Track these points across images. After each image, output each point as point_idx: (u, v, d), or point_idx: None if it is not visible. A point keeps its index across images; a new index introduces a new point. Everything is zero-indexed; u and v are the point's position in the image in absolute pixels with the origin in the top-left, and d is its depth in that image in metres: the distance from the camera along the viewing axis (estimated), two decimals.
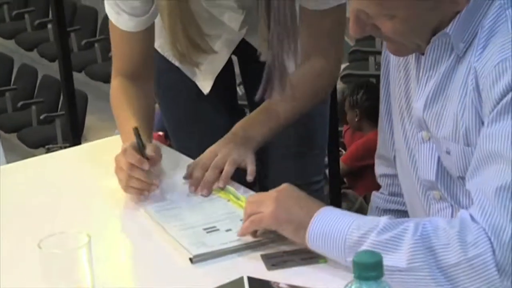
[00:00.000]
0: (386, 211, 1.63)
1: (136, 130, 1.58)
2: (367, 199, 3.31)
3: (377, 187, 1.70)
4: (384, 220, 1.29)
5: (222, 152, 1.64)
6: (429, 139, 1.40)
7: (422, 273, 1.21)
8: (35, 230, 1.38)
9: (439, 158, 1.38)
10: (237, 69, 2.15)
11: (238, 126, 1.73)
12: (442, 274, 1.20)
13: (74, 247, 1.20)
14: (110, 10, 1.77)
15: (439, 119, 1.37)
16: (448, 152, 1.35)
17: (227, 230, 1.50)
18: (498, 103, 1.25)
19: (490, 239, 1.19)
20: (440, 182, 1.38)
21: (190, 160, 1.75)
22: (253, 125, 1.75)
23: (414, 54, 1.41)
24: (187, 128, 2.11)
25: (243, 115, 2.09)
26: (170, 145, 2.16)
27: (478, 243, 1.19)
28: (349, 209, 2.55)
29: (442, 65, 1.35)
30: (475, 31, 1.31)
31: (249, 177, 1.65)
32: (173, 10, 1.68)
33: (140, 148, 1.58)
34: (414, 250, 1.22)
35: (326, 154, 2.59)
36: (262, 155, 1.97)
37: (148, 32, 1.80)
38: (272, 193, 1.44)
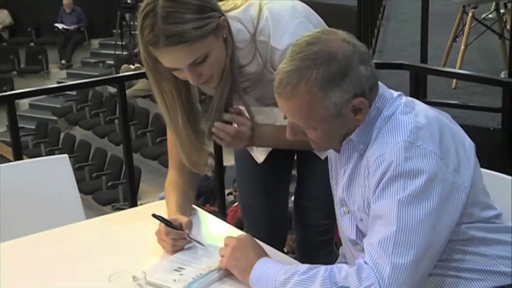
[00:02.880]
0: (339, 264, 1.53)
1: (154, 216, 1.48)
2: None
3: None
4: (304, 266, 1.27)
5: (244, 122, 1.55)
6: (348, 212, 1.37)
7: None
8: (106, 267, 1.29)
9: (356, 224, 1.35)
10: None
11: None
12: None
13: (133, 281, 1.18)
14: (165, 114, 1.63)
15: (353, 198, 1.34)
16: (361, 220, 1.33)
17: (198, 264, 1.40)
18: (377, 187, 1.25)
19: (376, 276, 1.19)
20: (359, 239, 1.35)
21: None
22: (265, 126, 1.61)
23: (335, 154, 1.40)
24: (249, 187, 1.97)
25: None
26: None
27: (369, 277, 1.19)
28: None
29: (352, 161, 1.34)
30: (370, 136, 1.30)
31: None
32: None
33: (166, 224, 1.47)
34: (323, 284, 1.21)
35: None
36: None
37: None
38: (233, 241, 1.38)
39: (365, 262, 1.22)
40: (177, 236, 1.47)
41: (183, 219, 1.51)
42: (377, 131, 1.30)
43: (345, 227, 1.39)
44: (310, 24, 1.58)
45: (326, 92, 1.25)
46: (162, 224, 1.49)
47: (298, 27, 1.53)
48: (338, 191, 1.40)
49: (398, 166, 1.22)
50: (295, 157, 1.91)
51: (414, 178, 1.22)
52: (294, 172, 1.98)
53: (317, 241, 1.92)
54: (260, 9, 1.54)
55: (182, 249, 1.47)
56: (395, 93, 1.35)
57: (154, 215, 1.49)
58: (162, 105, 1.56)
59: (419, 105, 1.34)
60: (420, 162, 1.22)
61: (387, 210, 1.22)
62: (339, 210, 1.41)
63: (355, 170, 1.34)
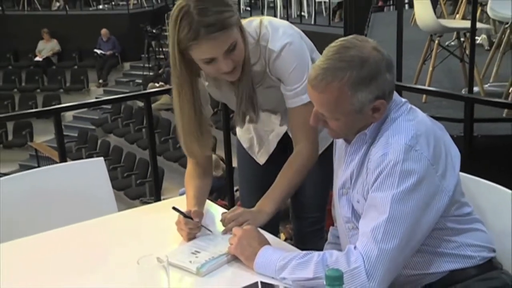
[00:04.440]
0: (329, 243, 1.54)
1: (173, 208, 1.46)
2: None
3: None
4: (301, 252, 1.25)
5: (244, 217, 1.45)
6: (347, 193, 1.34)
7: (321, 280, 1.15)
8: (135, 252, 1.22)
9: (352, 204, 1.33)
10: None
11: (258, 203, 1.51)
12: None
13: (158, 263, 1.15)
14: None
15: (354, 184, 1.31)
16: (358, 202, 1.30)
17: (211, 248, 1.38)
18: (376, 180, 1.22)
19: (363, 259, 1.17)
20: (353, 217, 1.33)
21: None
22: (265, 204, 1.50)
23: (345, 144, 1.35)
24: (249, 188, 1.91)
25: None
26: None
27: (357, 260, 1.17)
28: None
29: (360, 152, 1.30)
30: (377, 133, 1.27)
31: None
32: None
33: (184, 216, 1.45)
34: (316, 267, 1.19)
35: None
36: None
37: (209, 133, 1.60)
38: (239, 230, 1.35)
39: (355, 247, 1.21)
40: (193, 225, 1.45)
41: (197, 211, 1.49)
42: (383, 130, 1.27)
43: (342, 206, 1.37)
44: (303, 40, 1.55)
45: (355, 91, 1.22)
46: (181, 216, 1.47)
47: (294, 36, 1.51)
48: (341, 175, 1.36)
49: (396, 164, 1.20)
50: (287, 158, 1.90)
51: (408, 177, 1.19)
52: None
53: (310, 231, 1.90)
54: (261, 21, 1.53)
55: (194, 237, 1.45)
56: (403, 100, 1.32)
57: (174, 208, 1.47)
58: (176, 101, 1.50)
59: (420, 114, 1.31)
60: (415, 164, 1.20)
61: (381, 201, 1.20)
62: (338, 192, 1.38)
63: (361, 160, 1.30)
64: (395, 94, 1.30)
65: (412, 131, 1.23)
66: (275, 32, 1.50)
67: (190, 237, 1.45)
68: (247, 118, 1.54)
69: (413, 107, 1.33)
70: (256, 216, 1.47)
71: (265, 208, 1.50)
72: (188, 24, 1.36)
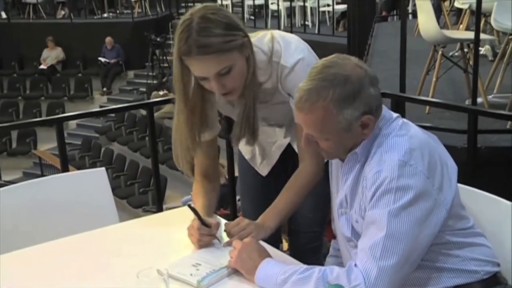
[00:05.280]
0: (330, 257, 1.55)
1: (189, 206, 1.46)
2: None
3: None
4: (302, 267, 1.24)
5: (247, 230, 1.43)
6: (345, 213, 1.34)
7: None
8: (135, 264, 1.29)
9: (352, 224, 1.32)
10: None
11: (261, 216, 1.50)
12: None
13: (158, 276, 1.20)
14: None
15: (351, 203, 1.31)
16: (357, 221, 1.30)
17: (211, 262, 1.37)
18: (372, 197, 1.22)
19: (364, 277, 1.16)
20: (353, 236, 1.32)
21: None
22: (269, 217, 1.50)
23: (340, 162, 1.35)
24: (250, 199, 1.90)
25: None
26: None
27: (357, 278, 1.16)
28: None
29: (353, 171, 1.30)
30: (369, 151, 1.27)
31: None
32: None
33: (200, 221, 1.44)
34: (317, 283, 1.19)
35: None
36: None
37: (215, 142, 1.64)
38: (239, 243, 1.34)
39: (355, 265, 1.20)
40: (207, 232, 1.43)
41: (213, 221, 1.47)
42: (375, 148, 1.26)
43: (341, 226, 1.37)
44: (311, 54, 1.56)
45: (341, 109, 1.23)
46: (195, 220, 1.45)
47: (305, 51, 1.52)
48: (338, 194, 1.36)
49: (391, 181, 1.20)
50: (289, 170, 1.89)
51: (404, 193, 1.19)
52: None
53: (309, 248, 1.85)
54: (273, 36, 1.52)
55: (205, 246, 1.44)
56: (394, 115, 1.32)
57: (189, 206, 1.45)
58: (179, 99, 1.47)
59: (413, 128, 1.30)
60: (410, 180, 1.20)
61: (379, 218, 1.20)
62: (337, 211, 1.38)
63: (355, 179, 1.30)
64: (386, 109, 1.30)
65: (405, 146, 1.23)
66: (287, 47, 1.51)
67: (201, 244, 1.43)
68: (244, 140, 1.54)
69: (405, 120, 1.32)
70: (259, 230, 1.46)
71: (268, 222, 1.49)
72: (185, 38, 1.36)
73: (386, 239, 1.18)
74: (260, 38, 1.52)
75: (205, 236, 1.44)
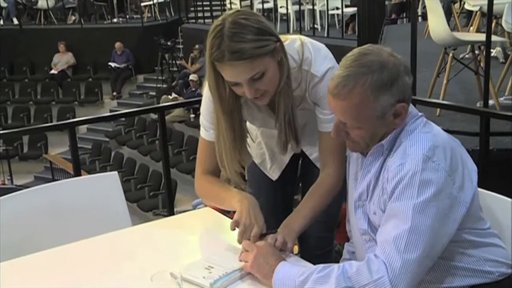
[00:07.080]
0: (344, 260, 1.54)
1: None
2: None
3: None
4: (320, 266, 1.23)
5: (279, 241, 1.42)
6: (363, 206, 1.34)
7: None
8: (148, 267, 1.28)
9: (368, 216, 1.33)
10: None
11: (285, 221, 1.50)
12: None
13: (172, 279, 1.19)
14: (202, 129, 1.59)
15: (370, 195, 1.31)
16: (374, 213, 1.30)
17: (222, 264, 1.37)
18: (395, 190, 1.22)
19: (387, 268, 1.15)
20: (369, 229, 1.33)
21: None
22: (294, 220, 1.50)
23: (360, 157, 1.36)
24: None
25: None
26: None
27: (379, 270, 1.15)
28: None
29: (376, 164, 1.30)
30: (393, 145, 1.27)
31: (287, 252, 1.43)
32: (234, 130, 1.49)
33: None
34: (338, 280, 1.17)
35: None
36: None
37: None
38: (254, 247, 1.34)
39: (375, 255, 1.19)
40: (258, 229, 1.41)
41: (260, 223, 1.44)
42: (400, 141, 1.27)
43: (358, 219, 1.37)
44: (336, 62, 1.54)
45: (377, 95, 1.23)
46: (257, 219, 1.42)
47: (333, 60, 1.52)
48: (357, 187, 1.36)
49: (415, 174, 1.20)
50: (299, 173, 1.83)
51: (427, 187, 1.19)
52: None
53: (317, 253, 1.81)
54: (302, 43, 1.51)
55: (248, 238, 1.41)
56: (419, 113, 1.33)
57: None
58: (218, 109, 1.47)
59: (436, 127, 1.32)
60: (433, 175, 1.20)
61: (402, 211, 1.19)
62: (354, 203, 1.38)
63: (377, 172, 1.30)
64: (411, 106, 1.30)
65: (429, 143, 1.23)
66: (317, 55, 1.50)
67: (242, 236, 1.40)
68: (289, 146, 1.53)
69: (428, 121, 1.33)
70: (289, 232, 1.46)
71: (292, 223, 1.48)
72: (217, 44, 1.35)
73: (410, 232, 1.17)
74: (291, 44, 1.51)
75: (249, 228, 1.42)
